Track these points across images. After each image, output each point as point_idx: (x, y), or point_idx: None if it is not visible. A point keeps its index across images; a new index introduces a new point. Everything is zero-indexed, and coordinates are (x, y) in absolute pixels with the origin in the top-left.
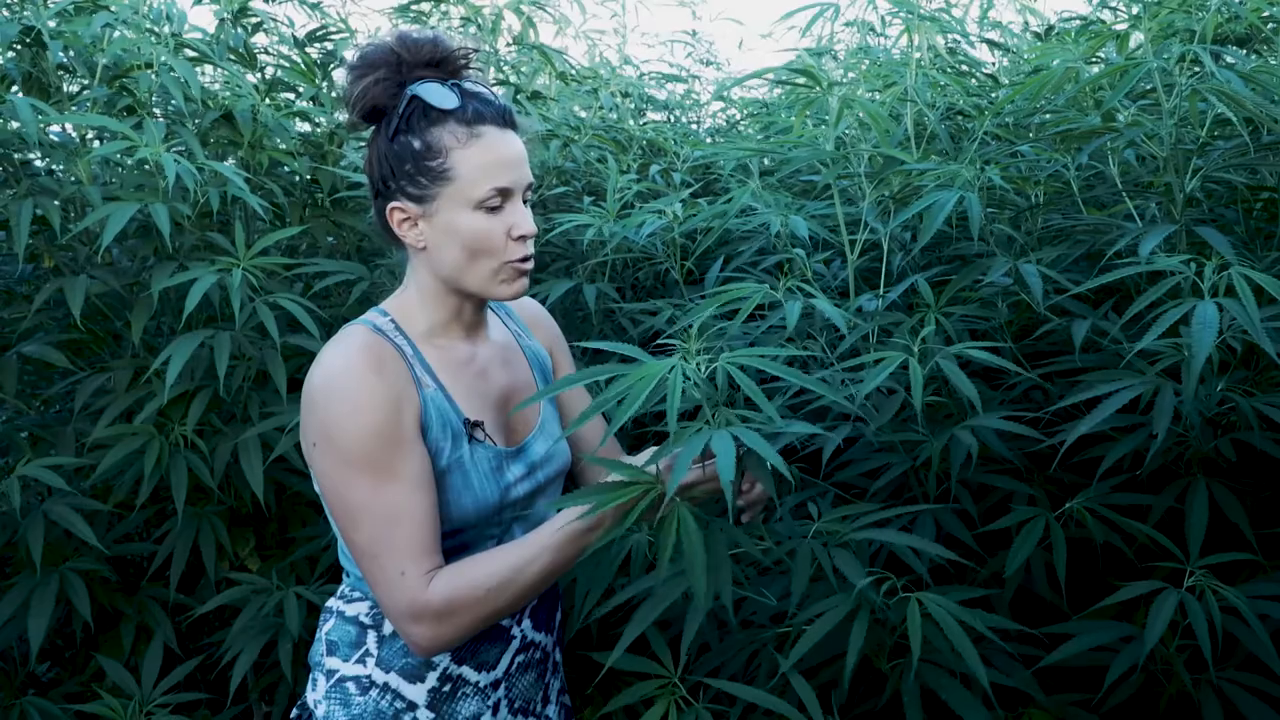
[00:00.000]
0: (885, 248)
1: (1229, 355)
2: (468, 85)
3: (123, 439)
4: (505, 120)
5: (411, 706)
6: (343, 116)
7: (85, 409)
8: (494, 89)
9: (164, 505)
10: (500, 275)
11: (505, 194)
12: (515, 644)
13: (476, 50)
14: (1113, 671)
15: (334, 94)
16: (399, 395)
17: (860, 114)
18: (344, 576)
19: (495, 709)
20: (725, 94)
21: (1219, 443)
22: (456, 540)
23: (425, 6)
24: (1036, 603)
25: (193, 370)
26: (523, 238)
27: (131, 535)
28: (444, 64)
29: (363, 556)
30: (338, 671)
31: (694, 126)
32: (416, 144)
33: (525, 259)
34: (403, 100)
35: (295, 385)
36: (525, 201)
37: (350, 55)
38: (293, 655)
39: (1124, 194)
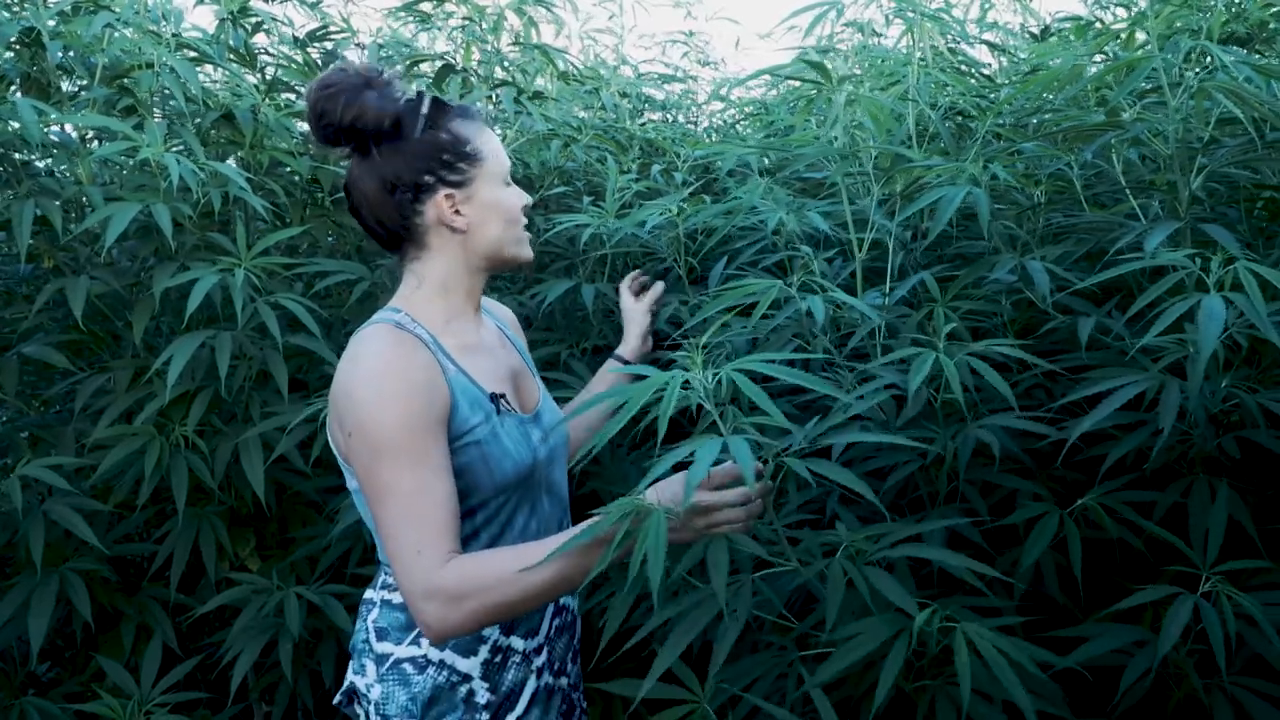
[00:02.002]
0: (891, 246)
1: (1232, 352)
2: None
3: (123, 439)
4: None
5: (466, 679)
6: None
7: (86, 409)
8: None
9: (164, 505)
10: (523, 239)
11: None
12: (552, 608)
13: (380, 74)
14: (1127, 676)
15: None
16: (429, 385)
17: (862, 112)
18: (385, 569)
19: (539, 673)
20: (726, 94)
21: (1223, 440)
22: (500, 508)
23: (427, 6)
24: (1044, 602)
25: (193, 370)
26: (527, 206)
27: (132, 535)
28: (377, 82)
29: (387, 536)
30: (391, 654)
31: (692, 126)
32: (445, 136)
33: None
34: (424, 102)
35: (296, 385)
36: None
37: (324, 88)
38: (293, 655)
39: (1127, 192)
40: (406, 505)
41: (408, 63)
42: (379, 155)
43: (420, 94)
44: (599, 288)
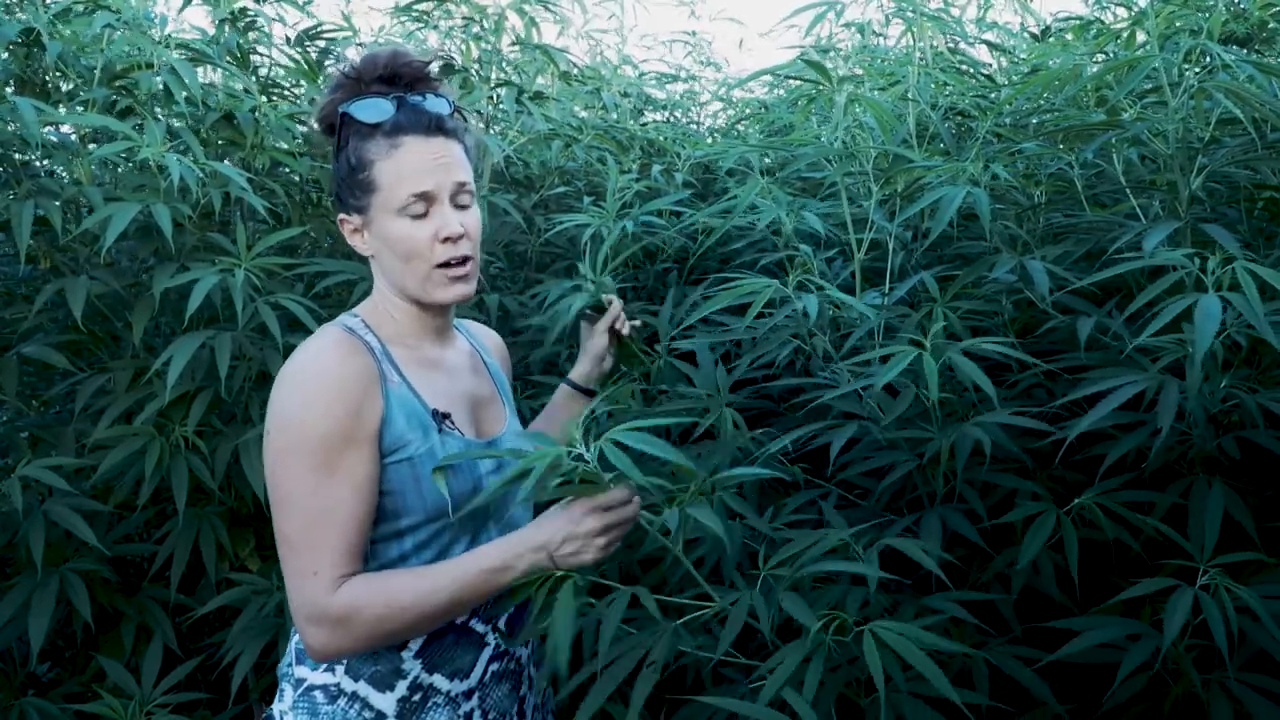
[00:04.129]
0: (891, 246)
1: (1232, 352)
2: (411, 97)
3: (123, 440)
4: (433, 128)
5: (380, 717)
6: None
7: (86, 410)
8: (441, 96)
9: (164, 506)
10: (433, 279)
11: (427, 198)
12: (489, 651)
13: (430, 61)
14: (1124, 668)
15: None
16: (362, 394)
17: (863, 111)
18: None
19: (468, 718)
20: (727, 95)
21: (1222, 440)
22: (434, 536)
23: (427, 6)
24: (1043, 602)
25: (193, 371)
26: (449, 240)
27: (132, 536)
28: (398, 78)
29: (283, 544)
30: (305, 680)
31: (693, 126)
32: (352, 159)
33: (456, 261)
34: (337, 119)
35: None
36: (462, 203)
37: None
38: None
39: (1127, 191)
40: (310, 522)
41: None
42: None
43: (343, 113)
44: None
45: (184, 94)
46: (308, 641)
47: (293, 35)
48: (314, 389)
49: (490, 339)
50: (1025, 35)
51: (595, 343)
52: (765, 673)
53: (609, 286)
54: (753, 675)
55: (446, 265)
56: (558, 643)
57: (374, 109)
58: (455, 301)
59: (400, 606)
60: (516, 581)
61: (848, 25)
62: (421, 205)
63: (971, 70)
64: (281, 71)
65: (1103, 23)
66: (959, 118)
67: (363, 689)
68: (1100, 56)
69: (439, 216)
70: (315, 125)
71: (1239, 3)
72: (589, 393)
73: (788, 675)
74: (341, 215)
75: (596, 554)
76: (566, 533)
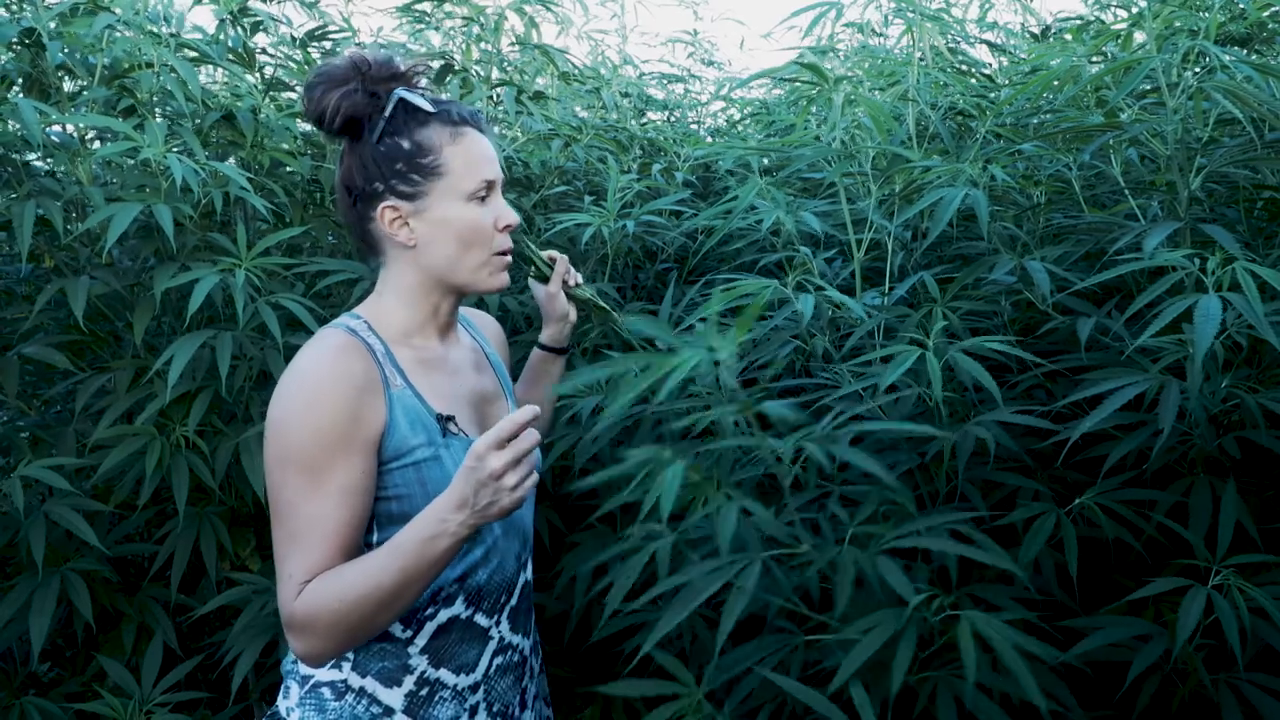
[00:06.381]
0: (890, 247)
1: (1232, 353)
2: (439, 95)
3: (124, 440)
4: (480, 122)
5: (388, 711)
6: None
7: (86, 410)
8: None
9: (165, 505)
10: (489, 266)
11: (490, 187)
12: (493, 644)
13: (425, 68)
14: (1134, 669)
15: None
16: (358, 400)
17: (862, 111)
18: None
19: (473, 712)
20: (728, 94)
21: (1223, 440)
22: None
23: (427, 6)
24: (1043, 603)
25: (194, 370)
26: (507, 227)
27: (132, 536)
28: (401, 79)
29: (275, 554)
30: (312, 677)
31: (694, 126)
32: (406, 144)
33: (508, 250)
34: (389, 104)
35: None
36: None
37: (313, 77)
38: None
39: (1126, 193)
40: (296, 528)
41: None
42: (347, 154)
43: (400, 98)
44: (600, 287)
45: (185, 94)
46: (293, 649)
47: (296, 36)
48: (309, 395)
49: (489, 327)
50: (1026, 35)
51: (553, 305)
52: (837, 627)
53: (545, 259)
54: (838, 634)
55: (501, 253)
56: (661, 508)
57: (424, 99)
58: (497, 290)
59: (354, 598)
60: (454, 548)
61: (848, 25)
62: (486, 192)
63: (971, 70)
64: (285, 71)
65: (1103, 22)
66: (959, 117)
67: (370, 684)
68: (1099, 57)
69: (497, 205)
70: (329, 119)
71: (1238, 2)
72: (562, 350)
73: (878, 645)
74: (385, 204)
75: (508, 498)
76: (475, 482)
